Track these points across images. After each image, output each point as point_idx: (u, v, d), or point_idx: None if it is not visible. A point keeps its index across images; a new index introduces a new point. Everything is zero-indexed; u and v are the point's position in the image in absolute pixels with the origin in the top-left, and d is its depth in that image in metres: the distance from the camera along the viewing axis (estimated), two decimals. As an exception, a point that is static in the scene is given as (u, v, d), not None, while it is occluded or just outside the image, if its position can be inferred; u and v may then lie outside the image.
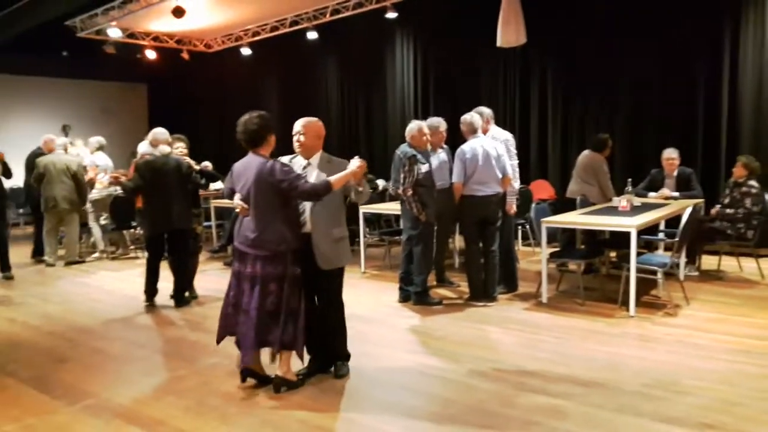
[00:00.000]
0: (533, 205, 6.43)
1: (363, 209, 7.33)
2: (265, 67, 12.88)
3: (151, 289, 6.03)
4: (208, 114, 14.21)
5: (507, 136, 6.09)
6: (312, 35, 10.91)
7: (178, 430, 3.35)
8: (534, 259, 7.53)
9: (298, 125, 3.91)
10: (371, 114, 11.52)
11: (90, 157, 9.03)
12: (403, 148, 5.61)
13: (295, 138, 3.90)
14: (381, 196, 8.58)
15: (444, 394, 3.77)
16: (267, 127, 3.85)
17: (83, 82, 14.18)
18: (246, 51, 12.11)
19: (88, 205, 8.78)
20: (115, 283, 7.21)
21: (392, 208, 7.15)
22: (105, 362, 4.61)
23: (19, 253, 8.21)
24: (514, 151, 6.11)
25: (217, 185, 10.54)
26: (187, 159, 6.17)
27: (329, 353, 4.11)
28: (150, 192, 5.86)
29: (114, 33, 10.88)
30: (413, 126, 5.68)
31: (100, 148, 9.07)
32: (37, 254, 8.62)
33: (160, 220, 5.84)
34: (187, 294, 6.16)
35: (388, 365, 4.29)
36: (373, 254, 8.12)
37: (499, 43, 7.48)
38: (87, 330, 5.35)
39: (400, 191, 5.58)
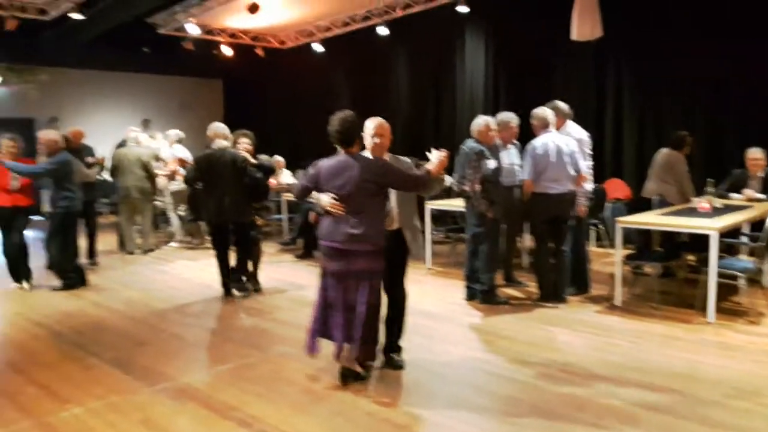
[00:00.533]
0: (608, 205, 6.24)
1: (430, 205, 7.32)
2: (336, 64, 13.03)
3: (225, 281, 6.21)
4: (280, 110, 14.51)
5: (582, 135, 5.89)
6: (383, 31, 10.95)
7: (250, 416, 3.46)
8: (607, 261, 7.31)
9: (376, 126, 3.89)
10: (440, 110, 11.47)
11: (169, 149, 9.42)
12: (470, 144, 5.55)
13: (371, 137, 3.88)
14: (447, 193, 8.54)
15: (511, 393, 3.73)
16: (360, 126, 3.89)
17: (163, 78, 14.78)
18: (318, 48, 12.30)
19: (168, 197, 9.18)
20: (191, 272, 7.50)
21: (459, 204, 7.10)
22: (181, 347, 4.82)
23: (102, 241, 8.67)
24: (588, 152, 5.92)
25: (288, 179, 10.82)
26: (245, 153, 6.18)
27: (388, 343, 4.17)
28: (206, 184, 6.02)
29: (192, 29, 11.28)
30: (479, 121, 5.61)
31: (179, 141, 9.45)
32: (123, 244, 9.05)
33: (213, 212, 6.01)
34: (248, 285, 6.32)
35: (453, 362, 4.28)
36: (439, 251, 8.10)
37: (573, 37, 7.28)
38: (165, 316, 5.60)
39: (465, 187, 5.52)
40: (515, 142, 6.14)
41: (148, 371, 4.20)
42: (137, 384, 3.98)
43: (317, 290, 3.95)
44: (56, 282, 6.58)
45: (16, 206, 6.27)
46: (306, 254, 8.33)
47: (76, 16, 10.26)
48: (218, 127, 6.22)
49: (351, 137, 3.82)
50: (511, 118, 5.99)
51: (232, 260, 6.25)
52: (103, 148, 9.62)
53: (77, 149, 7.47)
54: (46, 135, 6.45)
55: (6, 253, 6.52)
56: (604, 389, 3.75)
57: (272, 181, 10.42)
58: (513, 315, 5.40)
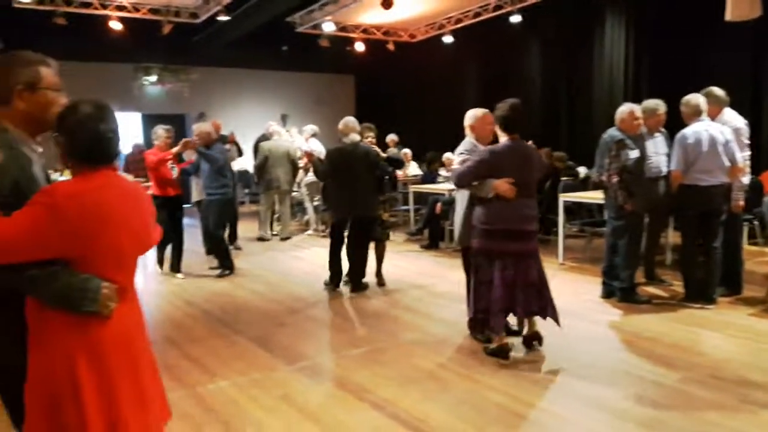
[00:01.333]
0: (765, 199, 5.67)
1: (563, 197, 7.05)
2: (466, 55, 12.94)
3: (336, 274, 6.14)
4: (408, 102, 14.68)
5: (739, 123, 5.38)
6: (515, 18, 10.70)
7: (382, 399, 3.54)
8: (762, 260, 6.67)
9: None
10: (575, 99, 11.02)
11: (305, 144, 9.84)
12: (611, 132, 5.27)
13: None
14: (584, 184, 8.18)
15: (655, 398, 3.51)
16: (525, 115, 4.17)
17: (299, 74, 15.47)
18: (448, 39, 12.27)
19: (303, 188, 9.62)
20: (325, 259, 7.77)
21: (595, 196, 6.77)
22: (317, 329, 5.03)
23: (243, 228, 9.26)
24: (746, 141, 5.40)
25: (414, 170, 10.92)
26: (375, 148, 6.30)
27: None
28: (337, 178, 6.02)
29: (328, 27, 11.70)
30: (624, 108, 5.30)
31: (314, 135, 9.85)
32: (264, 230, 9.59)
33: (344, 205, 6.04)
34: (366, 283, 6.20)
35: (590, 362, 4.09)
36: (572, 245, 7.79)
37: (728, 17, 6.66)
38: (302, 299, 5.87)
39: (603, 178, 5.25)
40: (662, 130, 5.74)
41: (286, 350, 4.43)
42: (277, 362, 4.21)
43: (482, 274, 4.08)
44: (212, 266, 7.12)
45: (178, 195, 6.82)
46: (431, 245, 8.36)
47: (224, 18, 11.01)
48: (350, 121, 6.18)
49: (521, 124, 4.05)
50: (658, 104, 5.61)
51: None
52: (245, 141, 10.26)
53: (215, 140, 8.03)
54: (200, 128, 6.96)
55: (167, 241, 6.97)
56: (760, 398, 3.41)
57: (399, 173, 10.60)
58: (655, 315, 5.07)
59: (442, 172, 9.69)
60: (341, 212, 6.16)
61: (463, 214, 4.37)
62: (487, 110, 4.42)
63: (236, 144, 8.87)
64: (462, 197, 4.43)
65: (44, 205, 1.73)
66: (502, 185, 3.93)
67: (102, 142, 1.86)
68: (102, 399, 1.84)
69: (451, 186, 8.68)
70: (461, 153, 4.43)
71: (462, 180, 4.12)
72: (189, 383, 3.85)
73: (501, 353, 4.07)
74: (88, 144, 1.84)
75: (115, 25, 10.42)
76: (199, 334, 4.89)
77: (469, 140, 4.46)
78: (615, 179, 5.12)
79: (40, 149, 2.04)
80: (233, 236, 8.50)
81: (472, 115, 4.51)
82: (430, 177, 9.89)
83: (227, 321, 5.19)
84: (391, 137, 11.49)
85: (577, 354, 4.21)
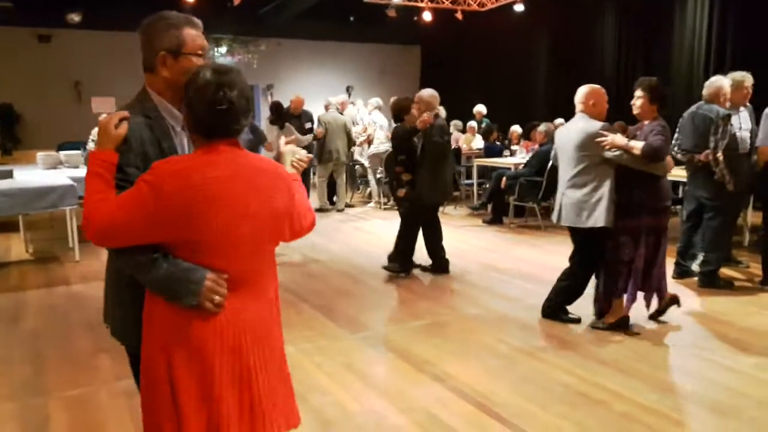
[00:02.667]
0: None
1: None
2: (536, 24, 12.55)
3: (410, 259, 5.74)
4: (475, 73, 14.40)
5: None
6: (590, -13, 10.26)
7: (443, 372, 3.55)
8: None
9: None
10: (651, 72, 10.50)
11: (368, 116, 9.87)
12: (711, 107, 4.94)
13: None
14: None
15: (729, 383, 3.38)
16: None
17: (365, 46, 15.42)
18: (519, 8, 11.91)
19: (366, 160, 9.67)
20: (387, 230, 7.84)
21: (671, 174, 6.48)
22: (379, 300, 5.08)
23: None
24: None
25: (479, 143, 10.76)
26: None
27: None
28: (430, 160, 5.47)
29: (396, -3, 11.56)
30: (719, 82, 5.00)
31: (378, 107, 9.84)
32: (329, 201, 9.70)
33: (443, 188, 5.64)
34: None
35: (662, 344, 3.98)
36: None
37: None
38: (365, 270, 5.93)
39: (700, 157, 4.93)
40: (748, 104, 5.42)
41: (350, 320, 4.51)
42: (341, 331, 4.29)
43: (624, 252, 4.04)
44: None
45: None
46: (495, 220, 8.25)
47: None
48: (434, 94, 5.57)
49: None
50: (744, 77, 5.29)
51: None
52: (312, 112, 10.36)
53: (297, 115, 8.17)
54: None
55: None
56: None
57: (464, 145, 10.48)
58: (730, 298, 4.86)
59: (515, 147, 9.50)
60: (440, 196, 5.80)
61: (609, 193, 4.01)
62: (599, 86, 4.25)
63: (318, 138, 8.98)
64: (600, 174, 4.04)
65: (147, 183, 1.60)
66: (671, 161, 4.09)
67: (215, 113, 1.65)
68: (200, 405, 1.68)
69: (517, 160, 8.54)
70: (599, 132, 4.02)
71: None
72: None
73: (623, 324, 4.16)
74: (202, 115, 1.66)
75: (188, -3, 10.63)
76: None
77: (588, 117, 4.12)
78: (720, 157, 4.86)
79: None
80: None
81: (594, 92, 4.14)
82: (492, 150, 9.71)
83: (295, 290, 5.30)
84: (478, 109, 11.35)
85: (644, 334, 4.09)
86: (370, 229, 8.03)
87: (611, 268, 4.12)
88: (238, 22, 12.95)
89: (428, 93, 5.51)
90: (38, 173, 7.15)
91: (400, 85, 15.33)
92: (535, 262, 6.08)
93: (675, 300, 4.38)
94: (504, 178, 7.98)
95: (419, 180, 5.47)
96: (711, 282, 5.09)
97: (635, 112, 4.20)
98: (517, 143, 9.77)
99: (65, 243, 6.42)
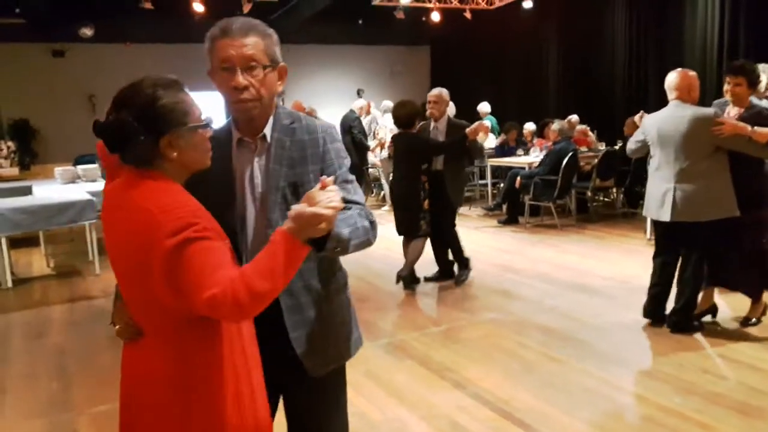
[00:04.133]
0: None
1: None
2: (546, 21, 12.49)
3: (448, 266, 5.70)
4: (485, 72, 14.36)
5: None
6: (599, -19, 10.19)
7: (464, 378, 3.56)
8: None
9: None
10: (663, 66, 10.41)
11: (380, 119, 9.88)
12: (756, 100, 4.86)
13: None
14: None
15: (752, 383, 3.35)
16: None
17: (374, 48, 15.42)
18: (528, 4, 11.86)
19: (379, 163, 9.68)
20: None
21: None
22: (397, 305, 5.10)
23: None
24: None
25: (491, 143, 10.73)
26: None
27: None
28: (460, 162, 5.56)
29: (404, -1, 11.56)
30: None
31: (389, 111, 9.85)
32: None
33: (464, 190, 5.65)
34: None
35: (683, 344, 3.95)
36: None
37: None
38: (381, 275, 5.94)
39: None
40: None
41: (368, 326, 4.52)
42: (360, 338, 4.30)
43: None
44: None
45: None
46: (510, 220, 8.23)
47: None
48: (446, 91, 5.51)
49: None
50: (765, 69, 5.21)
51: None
52: (324, 117, 10.41)
53: None
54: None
55: None
56: None
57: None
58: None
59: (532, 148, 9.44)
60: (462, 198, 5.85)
61: (730, 181, 3.86)
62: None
63: None
64: (719, 162, 3.85)
65: None
66: None
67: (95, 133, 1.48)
68: None
69: (531, 159, 8.50)
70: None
71: None
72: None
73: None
74: None
75: (198, 7, 10.71)
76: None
77: (687, 105, 3.93)
78: None
79: None
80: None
81: (690, 78, 3.95)
82: (504, 150, 9.67)
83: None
84: (482, 108, 11.34)
85: (668, 335, 4.06)
86: (384, 233, 8.00)
87: (755, 259, 3.95)
88: (247, 30, 13.01)
89: (445, 91, 5.48)
90: (57, 188, 7.25)
91: (410, 87, 15.33)
92: (552, 262, 6.05)
93: (711, 310, 4.28)
94: (518, 178, 7.95)
95: (455, 183, 5.42)
96: None
97: (730, 99, 3.97)
98: (531, 141, 9.72)
99: (85, 257, 6.50)
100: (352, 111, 9.65)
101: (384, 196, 10.01)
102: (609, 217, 8.40)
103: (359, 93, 13.52)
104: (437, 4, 12.45)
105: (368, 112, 9.76)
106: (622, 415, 3.09)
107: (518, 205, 8.23)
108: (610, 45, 11.29)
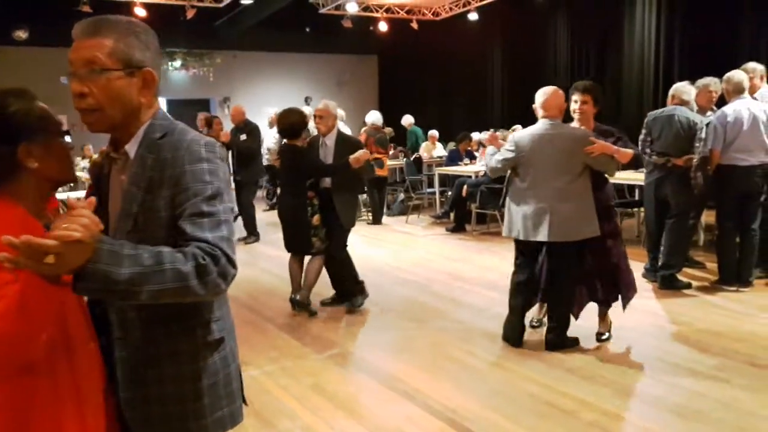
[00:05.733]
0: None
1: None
2: (491, 32, 12.73)
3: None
4: (432, 82, 14.51)
5: None
6: (542, -6, 10.46)
7: (413, 389, 3.52)
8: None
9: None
10: (603, 78, 10.76)
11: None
12: (689, 112, 5.12)
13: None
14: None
15: (690, 386, 3.44)
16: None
17: (322, 56, 15.37)
18: (473, 16, 12.06)
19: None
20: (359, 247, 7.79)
21: (626, 177, 6.64)
22: (345, 316, 4.99)
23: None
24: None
25: (440, 152, 10.81)
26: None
27: None
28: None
29: (352, 7, 11.57)
30: (701, 84, 5.37)
31: (341, 119, 9.79)
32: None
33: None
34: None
35: (624, 348, 4.03)
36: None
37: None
38: (327, 284, 5.82)
39: (679, 161, 5.06)
40: (714, 108, 5.60)
41: (316, 338, 4.44)
42: (307, 350, 4.22)
43: (614, 252, 4.03)
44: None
45: None
46: (457, 228, 8.29)
47: (246, 1, 10.94)
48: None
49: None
50: (709, 82, 5.48)
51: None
52: (263, 125, 10.26)
53: (239, 127, 7.96)
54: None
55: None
56: (805, 388, 3.33)
57: (424, 154, 10.53)
58: (690, 299, 4.97)
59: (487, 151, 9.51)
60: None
61: (590, 200, 3.95)
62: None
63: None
64: (586, 181, 3.90)
65: None
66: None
67: None
68: None
69: (477, 168, 8.60)
70: None
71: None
72: (221, 372, 3.88)
73: None
74: None
75: (140, 12, 10.43)
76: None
77: (560, 122, 3.96)
78: (698, 162, 5.04)
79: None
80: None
81: (559, 95, 3.91)
82: (454, 158, 9.76)
83: (257, 308, 5.21)
84: (406, 119, 11.45)
85: (610, 341, 4.14)
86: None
87: (609, 273, 4.02)
88: (192, 35, 12.77)
89: (332, 104, 5.06)
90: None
91: (358, 95, 15.35)
92: (498, 270, 6.10)
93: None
94: (465, 186, 8.03)
95: (345, 203, 4.91)
96: (672, 284, 5.20)
97: (577, 117, 4.01)
98: (477, 151, 9.84)
99: None
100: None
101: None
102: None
103: (307, 101, 13.44)
104: (384, 14, 12.52)
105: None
106: (567, 420, 3.10)
107: (465, 213, 8.30)
108: (553, 58, 11.61)
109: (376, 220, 9.04)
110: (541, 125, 3.90)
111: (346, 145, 4.89)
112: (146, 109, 1.48)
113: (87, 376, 1.43)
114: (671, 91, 5.35)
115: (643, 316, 4.62)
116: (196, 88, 13.94)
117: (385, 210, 9.71)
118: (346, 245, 5.04)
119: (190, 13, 11.17)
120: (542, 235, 3.82)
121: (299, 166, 4.82)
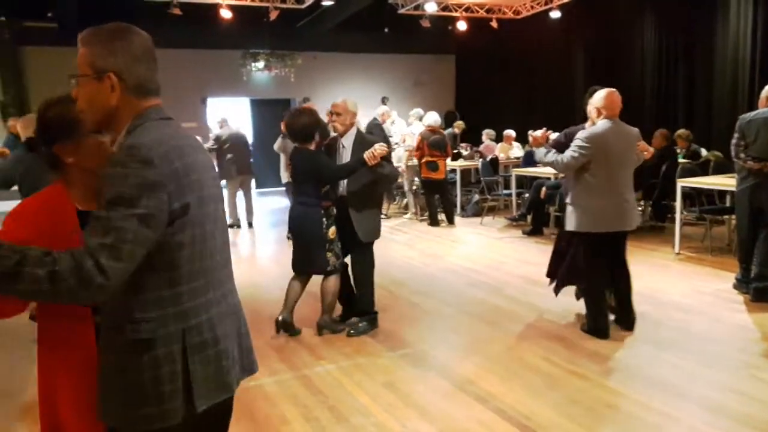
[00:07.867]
0: None
1: (681, 183, 6.58)
2: (574, 31, 12.39)
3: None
4: (511, 82, 14.28)
5: None
6: (628, -9, 10.08)
7: (485, 392, 3.49)
8: None
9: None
10: (694, 78, 10.25)
11: (407, 128, 9.87)
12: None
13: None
14: (704, 168, 7.61)
15: (785, 405, 3.24)
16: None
17: (400, 57, 15.43)
18: (555, 14, 11.78)
19: (404, 169, 9.65)
20: (423, 243, 7.81)
21: (717, 182, 6.31)
22: (419, 315, 5.03)
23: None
24: None
25: (517, 152, 10.65)
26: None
27: None
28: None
29: (430, 7, 11.56)
30: None
31: (420, 118, 9.83)
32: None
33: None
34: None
35: (711, 362, 3.84)
36: (690, 233, 7.30)
37: None
38: (403, 283, 5.90)
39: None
40: None
41: (389, 336, 4.48)
42: (380, 347, 4.26)
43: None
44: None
45: None
46: (535, 230, 8.12)
47: (328, 2, 11.15)
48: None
49: None
50: None
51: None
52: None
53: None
54: None
55: None
56: None
57: (501, 155, 10.38)
58: (784, 313, 4.67)
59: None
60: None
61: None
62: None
63: None
64: None
65: None
66: None
67: None
68: None
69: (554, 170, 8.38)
70: None
71: None
72: (297, 365, 3.99)
73: None
74: None
75: (225, 13, 10.82)
76: (304, 314, 4.79)
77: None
78: None
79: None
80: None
81: (618, 97, 4.23)
82: (531, 160, 9.57)
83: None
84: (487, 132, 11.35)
85: (694, 354, 3.95)
86: (407, 242, 7.98)
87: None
88: (274, 37, 13.13)
89: (351, 101, 4.56)
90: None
91: (434, 96, 15.32)
92: (576, 275, 5.94)
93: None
94: (544, 188, 7.86)
95: (363, 213, 4.44)
96: (766, 296, 4.89)
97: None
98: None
99: None
100: (374, 118, 9.65)
101: (407, 203, 9.99)
102: (636, 231, 8.19)
103: (384, 101, 13.53)
104: (463, 13, 12.43)
105: (390, 117, 9.83)
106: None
107: (543, 215, 8.13)
108: (639, 59, 11.15)
109: (450, 221, 9.02)
110: (608, 123, 4.16)
111: (365, 146, 4.29)
112: (126, 111, 1.55)
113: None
114: (764, 93, 5.05)
115: (731, 329, 4.38)
116: (277, 89, 14.32)
117: (458, 210, 9.68)
118: (369, 262, 4.59)
119: (274, 15, 11.48)
120: (626, 224, 4.22)
121: (309, 171, 4.33)
